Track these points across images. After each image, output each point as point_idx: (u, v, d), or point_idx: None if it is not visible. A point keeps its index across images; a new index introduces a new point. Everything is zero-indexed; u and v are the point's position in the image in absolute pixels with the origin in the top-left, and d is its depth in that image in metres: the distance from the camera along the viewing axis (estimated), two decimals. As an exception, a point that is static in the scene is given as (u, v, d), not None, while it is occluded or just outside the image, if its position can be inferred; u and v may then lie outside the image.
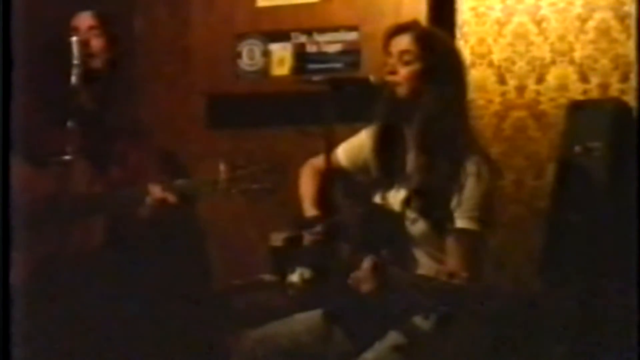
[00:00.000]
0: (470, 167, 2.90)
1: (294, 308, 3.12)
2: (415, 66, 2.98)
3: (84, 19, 3.67)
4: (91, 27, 3.64)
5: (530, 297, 3.72)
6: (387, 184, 3.07)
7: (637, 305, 3.23)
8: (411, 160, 3.03)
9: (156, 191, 3.32)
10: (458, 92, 3.02)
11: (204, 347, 3.98)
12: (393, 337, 2.86)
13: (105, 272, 3.44)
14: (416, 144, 3.00)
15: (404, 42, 3.01)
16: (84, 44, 3.39)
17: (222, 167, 3.20)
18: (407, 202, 2.96)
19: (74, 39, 3.28)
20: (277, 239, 3.10)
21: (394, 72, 3.00)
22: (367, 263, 2.69)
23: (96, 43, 3.62)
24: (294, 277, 2.95)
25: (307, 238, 2.96)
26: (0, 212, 2.45)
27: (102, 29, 3.66)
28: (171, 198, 3.31)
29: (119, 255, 3.49)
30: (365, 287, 2.71)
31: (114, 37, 3.70)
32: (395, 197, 3.02)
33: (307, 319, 3.07)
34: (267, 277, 3.64)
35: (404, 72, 2.99)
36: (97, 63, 3.60)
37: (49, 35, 3.75)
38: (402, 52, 3.00)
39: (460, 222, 2.87)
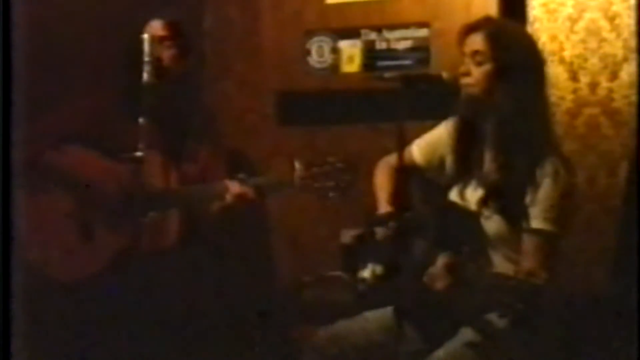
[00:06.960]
0: (548, 167, 2.86)
1: (364, 305, 3.11)
2: (487, 67, 2.94)
3: (155, 26, 3.68)
4: (162, 37, 3.65)
5: (602, 297, 3.68)
6: (464, 182, 3.05)
7: None
8: (488, 158, 3.01)
9: (235, 187, 3.35)
10: (534, 91, 2.96)
11: (274, 343, 4.00)
12: (466, 335, 2.85)
13: (178, 267, 3.47)
14: (493, 143, 2.97)
15: (475, 42, 2.97)
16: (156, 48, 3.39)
17: (297, 164, 3.21)
18: (484, 201, 2.94)
19: (145, 36, 3.30)
20: (347, 236, 3.10)
21: (467, 74, 2.98)
22: (442, 260, 2.68)
23: (167, 51, 3.64)
24: (366, 273, 2.94)
25: (380, 234, 2.94)
26: (1, 214, 2.47)
27: (172, 33, 3.68)
28: (250, 194, 3.33)
29: (192, 250, 3.52)
30: (440, 284, 2.71)
31: (185, 44, 3.72)
32: (473, 196, 3.00)
33: (378, 317, 3.06)
34: (338, 274, 3.64)
35: (476, 73, 2.96)
36: (168, 61, 3.62)
37: (120, 33, 3.78)
38: (474, 53, 2.97)
39: (536, 223, 2.84)
